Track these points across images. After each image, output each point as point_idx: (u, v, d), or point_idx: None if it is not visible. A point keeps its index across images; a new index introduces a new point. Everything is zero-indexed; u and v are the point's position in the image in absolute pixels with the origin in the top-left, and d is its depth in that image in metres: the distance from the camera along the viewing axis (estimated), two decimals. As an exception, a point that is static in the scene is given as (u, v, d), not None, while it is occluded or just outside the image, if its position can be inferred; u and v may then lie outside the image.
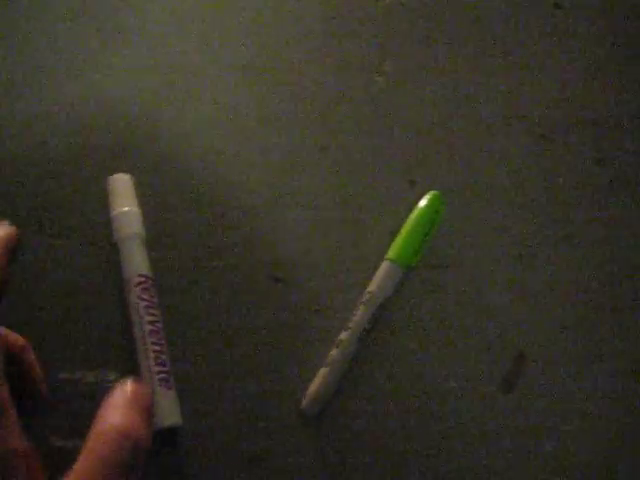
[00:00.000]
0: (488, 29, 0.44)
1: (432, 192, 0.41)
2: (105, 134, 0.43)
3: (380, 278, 0.39)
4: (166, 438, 0.37)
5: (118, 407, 0.27)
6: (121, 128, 0.43)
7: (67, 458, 0.37)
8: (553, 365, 0.38)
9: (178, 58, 0.44)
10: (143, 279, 0.39)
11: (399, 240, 0.40)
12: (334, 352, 0.38)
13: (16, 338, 0.36)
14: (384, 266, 0.39)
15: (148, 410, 0.28)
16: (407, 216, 0.40)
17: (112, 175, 0.41)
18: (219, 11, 0.45)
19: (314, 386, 0.37)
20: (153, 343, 0.37)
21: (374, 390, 0.38)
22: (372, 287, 0.39)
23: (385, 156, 0.42)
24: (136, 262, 0.39)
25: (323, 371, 0.38)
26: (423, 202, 0.40)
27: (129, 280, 0.39)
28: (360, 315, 0.38)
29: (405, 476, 0.37)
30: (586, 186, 0.41)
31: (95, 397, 0.38)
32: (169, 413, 0.36)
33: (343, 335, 0.38)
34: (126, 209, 0.41)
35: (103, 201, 0.41)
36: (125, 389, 0.28)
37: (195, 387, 0.38)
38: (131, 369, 0.38)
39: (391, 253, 0.39)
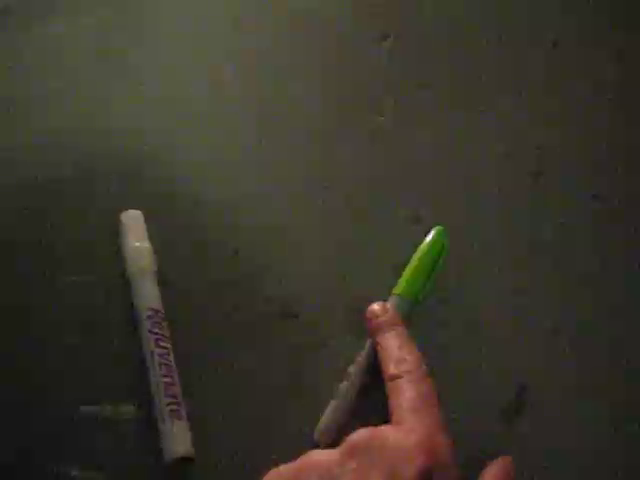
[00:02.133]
0: (486, 70, 0.46)
1: (437, 227, 0.42)
2: (114, 166, 0.44)
3: (388, 313, 0.40)
4: (178, 470, 0.37)
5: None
6: (131, 161, 0.44)
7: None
8: (554, 397, 0.39)
9: (186, 90, 0.46)
10: (153, 312, 0.39)
11: (405, 276, 0.40)
12: (343, 385, 0.38)
13: None
14: (391, 301, 0.40)
15: None
16: (412, 252, 0.41)
17: (124, 212, 0.42)
18: (226, 44, 0.47)
19: (325, 418, 0.38)
20: (163, 375, 0.38)
21: (383, 421, 0.38)
22: (380, 321, 0.40)
23: (389, 194, 0.44)
24: (147, 296, 0.40)
25: (333, 403, 0.38)
26: (429, 237, 0.41)
27: (140, 313, 0.39)
28: (368, 349, 0.39)
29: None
30: (583, 221, 0.43)
31: (112, 429, 0.38)
32: (180, 444, 0.36)
33: (351, 368, 0.39)
34: (137, 244, 0.41)
35: (113, 238, 0.42)
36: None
37: (207, 419, 0.38)
38: (147, 402, 0.38)
39: (398, 288, 0.40)
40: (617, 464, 0.38)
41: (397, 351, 0.37)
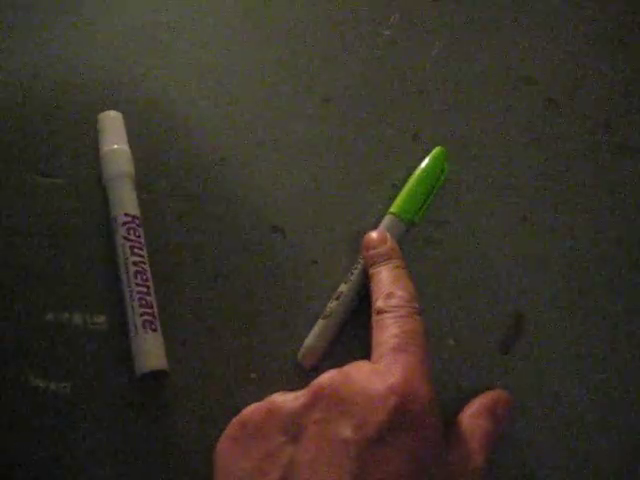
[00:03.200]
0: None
1: (437, 148, 0.39)
2: (94, 74, 0.41)
3: (382, 232, 0.37)
4: (151, 383, 0.35)
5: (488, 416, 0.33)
6: (111, 69, 0.41)
7: (43, 399, 0.35)
8: (551, 327, 0.37)
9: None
10: (129, 219, 0.36)
11: (403, 195, 0.38)
12: (333, 304, 0.36)
13: None
14: (387, 220, 0.37)
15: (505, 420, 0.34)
16: (410, 170, 0.39)
17: (103, 112, 0.39)
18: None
19: (311, 338, 0.35)
20: (138, 284, 0.35)
21: (369, 346, 0.36)
22: (374, 240, 0.37)
23: (389, 109, 0.41)
24: (123, 201, 0.37)
25: (321, 323, 0.35)
26: (428, 158, 0.39)
27: (115, 219, 0.36)
28: (361, 268, 0.36)
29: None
30: (593, 150, 0.40)
31: (81, 340, 0.35)
32: (154, 357, 0.34)
33: (343, 287, 0.36)
34: (115, 147, 0.38)
35: (94, 140, 0.39)
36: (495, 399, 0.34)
37: (185, 333, 0.36)
38: (119, 312, 0.35)
39: (394, 208, 0.38)
40: (613, 390, 0.36)
41: (388, 285, 0.34)
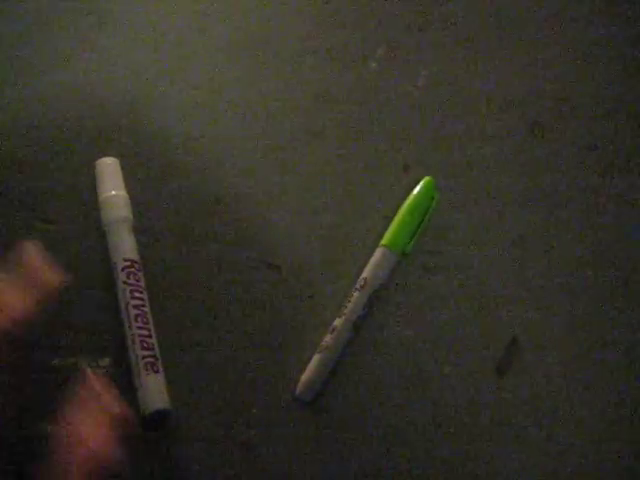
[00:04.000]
0: (481, 16, 0.44)
1: (426, 178, 0.40)
2: (93, 120, 0.42)
3: (374, 264, 0.38)
4: (155, 424, 0.36)
5: None
6: (109, 114, 0.42)
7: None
8: (544, 350, 0.38)
9: (164, 43, 0.43)
10: (129, 263, 0.37)
11: (393, 226, 0.39)
12: (328, 338, 0.37)
13: None
14: (379, 252, 0.38)
15: None
16: (401, 201, 0.40)
17: (99, 159, 0.40)
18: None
19: (308, 372, 0.36)
20: (139, 327, 0.36)
21: (368, 376, 0.37)
22: (366, 273, 0.38)
23: (379, 141, 0.42)
24: (122, 246, 0.38)
25: (317, 357, 0.36)
26: (417, 189, 0.40)
27: (115, 264, 0.38)
28: (354, 301, 0.37)
29: (400, 461, 0.36)
30: (579, 172, 0.41)
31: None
32: (157, 397, 0.35)
33: (337, 321, 0.37)
34: (113, 193, 0.39)
35: (93, 185, 0.40)
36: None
37: (185, 373, 0.37)
38: (123, 354, 0.36)
39: (386, 239, 0.39)
40: (605, 415, 0.37)
41: None
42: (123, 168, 0.41)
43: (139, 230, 0.39)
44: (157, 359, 0.36)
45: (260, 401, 0.36)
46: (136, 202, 0.40)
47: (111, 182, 0.40)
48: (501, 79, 0.43)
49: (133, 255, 0.38)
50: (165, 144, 0.42)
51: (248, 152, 0.41)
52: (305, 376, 0.36)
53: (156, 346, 0.36)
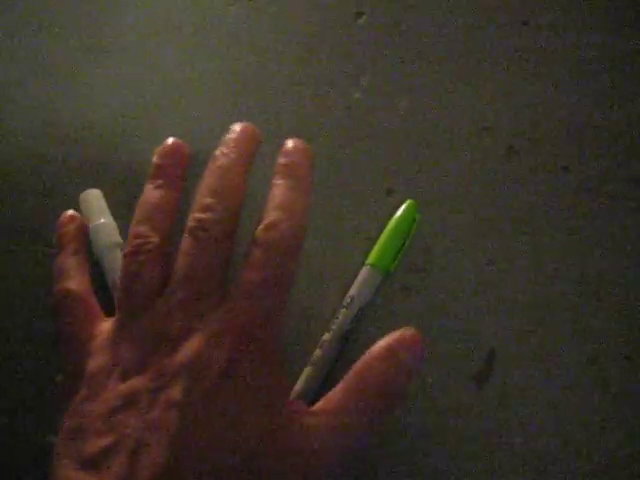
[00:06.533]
0: (458, 46, 0.47)
1: (408, 201, 0.43)
2: (90, 147, 0.45)
3: (360, 282, 0.41)
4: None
5: (390, 359, 0.32)
6: (105, 142, 0.45)
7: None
8: (522, 361, 0.40)
9: (155, 73, 0.46)
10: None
11: (378, 247, 0.42)
12: (317, 352, 0.39)
13: None
14: (364, 271, 0.41)
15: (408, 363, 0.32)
16: (385, 223, 0.42)
17: (83, 192, 0.43)
18: (198, 30, 0.47)
19: (299, 384, 0.39)
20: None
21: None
22: (353, 291, 0.40)
23: (363, 166, 0.45)
24: (119, 269, 0.41)
25: (307, 370, 0.39)
26: (400, 211, 0.42)
27: (114, 288, 0.40)
28: (342, 318, 0.40)
29: (384, 470, 0.38)
30: (553, 193, 0.44)
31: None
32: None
33: (326, 336, 0.40)
34: (103, 220, 0.42)
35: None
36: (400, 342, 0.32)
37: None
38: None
39: (371, 259, 0.41)
40: (584, 423, 0.39)
41: (275, 209, 0.33)
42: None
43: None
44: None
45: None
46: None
47: (99, 211, 0.43)
48: (477, 106, 0.46)
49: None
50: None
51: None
52: (296, 388, 0.39)
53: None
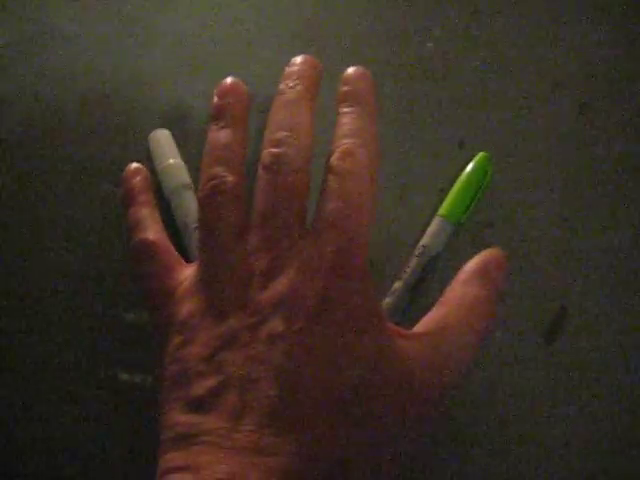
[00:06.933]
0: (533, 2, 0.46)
1: (481, 154, 0.42)
2: (158, 89, 0.44)
3: (432, 233, 0.40)
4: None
5: (480, 278, 0.32)
6: (172, 83, 0.45)
7: (133, 392, 0.38)
8: (594, 320, 0.40)
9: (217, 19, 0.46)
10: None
11: (450, 198, 0.41)
12: (388, 300, 0.39)
13: None
14: (436, 221, 0.40)
15: (504, 281, 0.33)
16: (457, 175, 0.42)
17: (152, 132, 0.43)
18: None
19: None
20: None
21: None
22: (425, 241, 0.40)
23: (435, 118, 0.44)
24: (192, 209, 0.40)
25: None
26: (472, 163, 0.42)
27: (187, 226, 0.40)
28: (412, 267, 0.39)
29: (449, 424, 0.38)
30: (629, 154, 0.43)
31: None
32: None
33: (396, 284, 0.39)
34: (172, 161, 0.42)
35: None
36: (488, 259, 0.33)
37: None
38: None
39: (442, 210, 0.41)
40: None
41: (348, 137, 0.32)
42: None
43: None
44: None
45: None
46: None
47: (169, 151, 0.42)
48: (551, 60, 0.45)
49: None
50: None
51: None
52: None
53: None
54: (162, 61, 0.45)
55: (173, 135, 0.43)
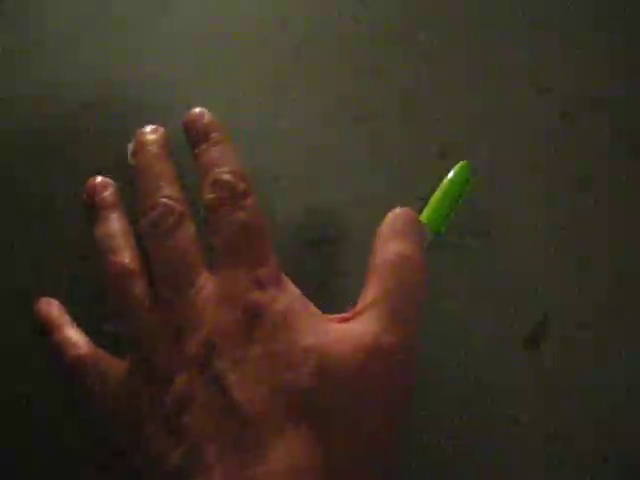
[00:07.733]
0: (518, 5, 0.46)
1: (461, 162, 0.42)
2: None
3: (411, 240, 0.40)
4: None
5: (393, 237, 0.31)
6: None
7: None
8: (574, 328, 0.39)
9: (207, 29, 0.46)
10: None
11: (430, 206, 0.41)
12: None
13: None
14: (415, 229, 0.40)
15: (418, 233, 0.33)
16: (437, 184, 0.42)
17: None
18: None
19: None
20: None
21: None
22: (403, 249, 0.40)
23: (417, 128, 0.44)
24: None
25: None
26: (452, 172, 0.42)
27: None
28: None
29: (428, 432, 0.38)
30: (606, 159, 0.43)
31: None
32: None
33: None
34: None
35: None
36: (393, 218, 0.32)
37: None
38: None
39: (422, 217, 0.41)
40: (633, 394, 0.38)
41: (209, 170, 0.32)
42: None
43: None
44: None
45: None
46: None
47: None
48: (535, 67, 0.45)
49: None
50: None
51: (286, 135, 0.44)
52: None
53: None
54: (162, 63, 0.46)
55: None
